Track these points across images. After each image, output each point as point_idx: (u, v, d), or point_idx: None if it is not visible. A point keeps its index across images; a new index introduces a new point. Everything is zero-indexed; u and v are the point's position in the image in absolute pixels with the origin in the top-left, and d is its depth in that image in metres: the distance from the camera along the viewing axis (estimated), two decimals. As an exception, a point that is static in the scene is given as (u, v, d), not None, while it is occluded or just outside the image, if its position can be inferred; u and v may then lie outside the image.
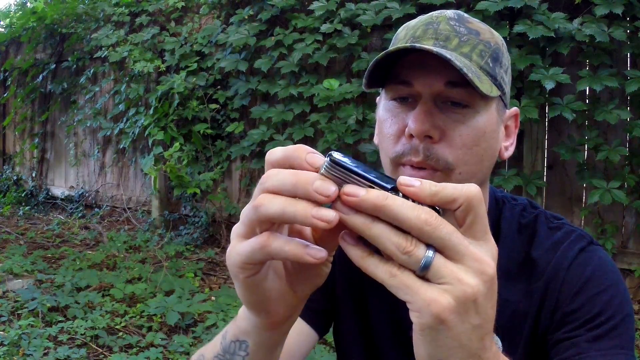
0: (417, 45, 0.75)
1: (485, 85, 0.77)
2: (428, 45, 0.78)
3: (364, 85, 0.85)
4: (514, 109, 0.91)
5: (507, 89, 0.86)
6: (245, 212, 0.51)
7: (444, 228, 0.46)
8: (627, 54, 3.38)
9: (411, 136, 0.79)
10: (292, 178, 0.47)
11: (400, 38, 0.85)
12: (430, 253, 0.45)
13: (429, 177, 0.79)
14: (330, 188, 0.46)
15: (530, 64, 3.36)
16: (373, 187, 0.46)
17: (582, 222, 3.58)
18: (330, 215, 0.46)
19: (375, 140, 0.92)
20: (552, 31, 3.28)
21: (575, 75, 3.32)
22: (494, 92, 0.79)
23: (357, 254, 0.48)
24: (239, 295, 0.57)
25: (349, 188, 0.46)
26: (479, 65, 0.79)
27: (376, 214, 0.45)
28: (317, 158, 0.48)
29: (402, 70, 0.81)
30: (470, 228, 0.48)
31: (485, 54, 0.81)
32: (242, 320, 0.62)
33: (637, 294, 3.40)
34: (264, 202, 0.48)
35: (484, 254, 0.47)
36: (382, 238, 0.45)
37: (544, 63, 3.37)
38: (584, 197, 3.58)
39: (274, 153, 0.51)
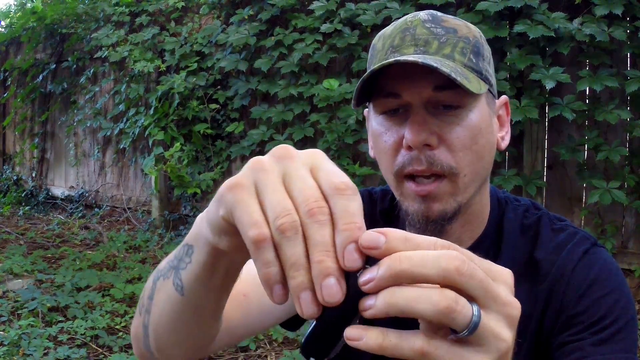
0: (402, 58, 0.75)
1: (473, 83, 0.77)
2: (409, 53, 0.78)
3: (353, 105, 0.84)
4: (503, 97, 0.92)
5: (493, 79, 0.86)
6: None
7: (478, 269, 0.39)
8: (627, 54, 3.38)
9: (410, 147, 0.79)
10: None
11: (379, 49, 0.84)
12: (475, 309, 0.39)
13: (437, 189, 0.79)
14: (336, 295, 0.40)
15: (530, 64, 3.36)
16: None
17: (582, 222, 3.58)
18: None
19: (371, 153, 0.91)
20: (552, 31, 3.28)
21: (575, 75, 3.32)
22: (483, 88, 0.79)
23: (372, 341, 0.40)
24: (212, 215, 0.49)
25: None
26: (462, 63, 0.79)
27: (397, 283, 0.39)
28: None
29: (388, 83, 0.80)
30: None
31: (466, 51, 0.80)
32: (199, 223, 0.54)
33: (637, 294, 3.40)
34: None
35: (507, 292, 0.42)
36: (417, 304, 0.38)
37: (544, 63, 3.37)
38: (584, 197, 3.58)
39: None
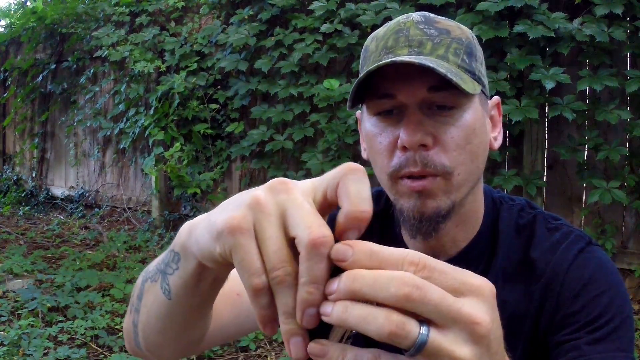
0: (398, 59, 0.75)
1: (468, 84, 0.78)
2: (403, 54, 0.78)
3: (348, 107, 0.84)
4: (495, 98, 0.92)
5: (486, 80, 0.87)
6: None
7: (433, 292, 0.39)
8: (627, 54, 3.38)
9: (405, 148, 0.79)
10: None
11: (372, 50, 0.84)
12: (424, 329, 0.39)
13: (430, 184, 0.79)
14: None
15: (530, 64, 3.36)
16: None
17: (582, 222, 3.58)
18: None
19: (364, 155, 0.92)
20: (552, 31, 3.28)
21: (576, 75, 3.32)
22: (477, 88, 0.80)
23: (334, 357, 0.42)
24: (205, 246, 0.49)
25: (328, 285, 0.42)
26: (456, 64, 0.80)
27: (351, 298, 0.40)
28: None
29: (382, 84, 0.80)
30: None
31: (460, 52, 0.81)
32: (186, 235, 0.55)
33: (637, 294, 3.40)
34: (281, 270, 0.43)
35: (477, 309, 0.40)
36: (365, 324, 0.39)
37: (544, 63, 3.37)
38: (584, 197, 3.58)
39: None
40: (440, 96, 0.79)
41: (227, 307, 0.83)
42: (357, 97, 0.83)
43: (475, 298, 0.41)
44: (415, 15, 0.84)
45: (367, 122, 0.86)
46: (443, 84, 0.76)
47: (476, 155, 0.82)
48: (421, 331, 0.39)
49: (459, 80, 0.75)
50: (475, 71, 0.82)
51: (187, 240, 0.54)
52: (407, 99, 0.79)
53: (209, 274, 0.56)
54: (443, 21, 0.84)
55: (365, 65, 0.84)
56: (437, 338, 0.39)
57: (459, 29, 0.84)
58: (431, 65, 0.73)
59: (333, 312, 0.41)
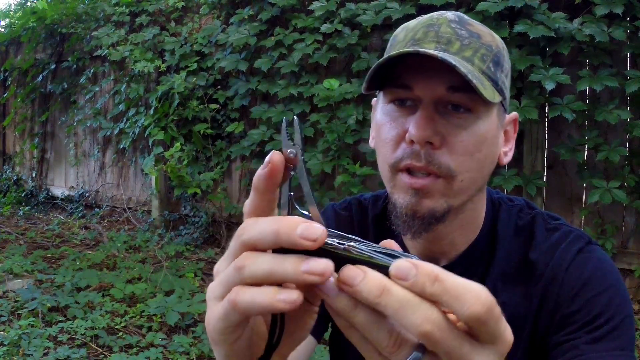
0: (422, 50, 0.74)
1: (488, 91, 0.76)
2: (430, 49, 0.77)
3: (363, 89, 0.83)
4: (514, 114, 0.90)
5: (508, 93, 0.85)
6: (225, 273, 0.45)
7: (455, 338, 0.39)
8: (627, 54, 3.38)
9: (412, 142, 0.78)
10: (273, 225, 0.42)
11: (400, 40, 0.83)
12: (419, 356, 0.39)
13: (431, 185, 0.78)
14: (317, 230, 0.40)
15: (530, 64, 3.36)
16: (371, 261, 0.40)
17: (582, 222, 3.58)
18: (321, 266, 0.40)
19: (372, 143, 0.90)
20: (553, 31, 3.28)
21: (575, 75, 3.32)
22: (496, 97, 0.78)
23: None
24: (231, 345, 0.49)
25: (347, 272, 0.40)
26: (481, 69, 0.78)
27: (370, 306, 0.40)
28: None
29: (403, 74, 0.79)
30: (479, 336, 0.40)
31: (487, 58, 0.79)
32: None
33: (637, 294, 3.40)
34: (246, 262, 0.43)
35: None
36: (361, 331, 0.40)
37: (544, 63, 3.37)
38: (584, 197, 3.58)
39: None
40: (458, 97, 0.77)
41: None
42: (375, 83, 0.82)
43: (490, 347, 0.41)
44: (450, 14, 0.83)
45: (380, 110, 0.84)
46: (463, 85, 0.75)
47: (483, 165, 0.81)
48: (414, 356, 0.40)
49: (478, 84, 0.73)
50: (499, 81, 0.80)
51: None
52: (423, 93, 0.78)
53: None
54: (476, 25, 0.82)
55: (390, 52, 0.83)
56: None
57: (491, 36, 0.82)
58: (453, 62, 0.72)
59: (339, 301, 0.41)
